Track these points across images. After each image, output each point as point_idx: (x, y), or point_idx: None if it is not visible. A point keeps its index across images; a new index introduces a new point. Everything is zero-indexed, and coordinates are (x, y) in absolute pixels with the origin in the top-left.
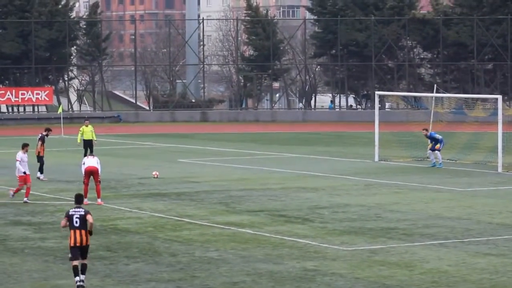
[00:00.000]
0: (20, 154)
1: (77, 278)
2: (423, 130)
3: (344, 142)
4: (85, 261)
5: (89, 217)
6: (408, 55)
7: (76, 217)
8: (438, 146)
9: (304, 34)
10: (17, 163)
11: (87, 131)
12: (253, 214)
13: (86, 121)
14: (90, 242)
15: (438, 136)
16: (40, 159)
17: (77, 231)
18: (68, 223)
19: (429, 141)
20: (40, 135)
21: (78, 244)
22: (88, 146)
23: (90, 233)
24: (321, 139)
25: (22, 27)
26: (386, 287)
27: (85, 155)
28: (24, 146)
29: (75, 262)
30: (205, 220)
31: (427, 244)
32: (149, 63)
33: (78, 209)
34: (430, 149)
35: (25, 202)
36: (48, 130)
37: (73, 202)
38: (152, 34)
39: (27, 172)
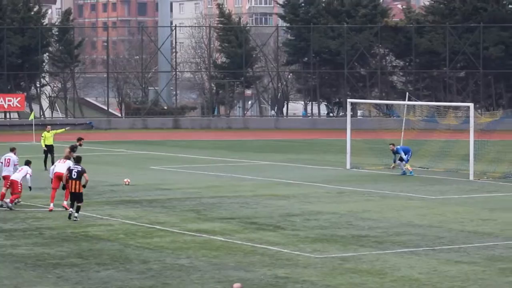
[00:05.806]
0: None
1: (73, 214)
2: (390, 145)
3: (316, 150)
4: (80, 204)
5: (85, 175)
6: (381, 63)
7: (75, 171)
8: (404, 155)
9: (277, 42)
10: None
11: (48, 137)
12: (224, 222)
13: (48, 127)
14: (82, 191)
15: (404, 151)
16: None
17: (73, 181)
18: (68, 175)
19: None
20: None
21: (73, 191)
22: (49, 151)
23: (84, 186)
24: (293, 147)
25: None
26: None
27: (45, 161)
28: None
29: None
30: (176, 227)
31: (398, 252)
32: (122, 70)
33: (77, 166)
34: (399, 160)
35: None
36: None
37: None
38: (124, 41)
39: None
